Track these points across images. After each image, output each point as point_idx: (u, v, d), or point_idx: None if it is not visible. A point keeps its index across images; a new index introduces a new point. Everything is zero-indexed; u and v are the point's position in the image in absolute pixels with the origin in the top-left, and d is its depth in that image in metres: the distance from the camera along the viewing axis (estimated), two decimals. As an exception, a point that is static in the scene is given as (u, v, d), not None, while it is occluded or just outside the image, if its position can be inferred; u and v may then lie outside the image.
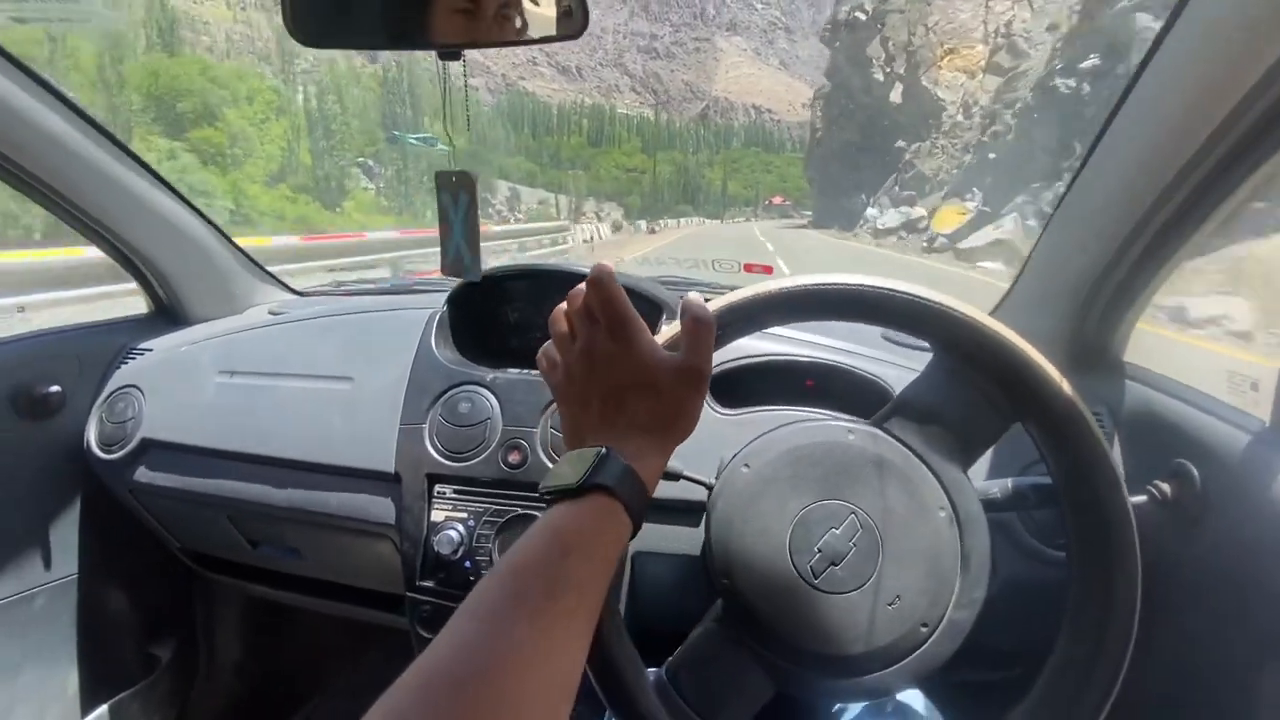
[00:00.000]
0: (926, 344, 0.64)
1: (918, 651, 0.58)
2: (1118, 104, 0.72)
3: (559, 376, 0.52)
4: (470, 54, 0.64)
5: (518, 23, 0.63)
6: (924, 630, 0.58)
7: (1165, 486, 0.71)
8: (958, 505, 0.60)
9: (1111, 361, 0.89)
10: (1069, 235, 0.87)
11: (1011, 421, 0.61)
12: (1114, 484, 0.56)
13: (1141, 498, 0.70)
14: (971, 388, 0.60)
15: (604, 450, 0.46)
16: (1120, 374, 0.88)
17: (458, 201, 0.71)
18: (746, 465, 0.62)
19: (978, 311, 0.58)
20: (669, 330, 0.58)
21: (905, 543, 0.58)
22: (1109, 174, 0.77)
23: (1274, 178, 0.62)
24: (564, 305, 0.53)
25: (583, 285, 0.50)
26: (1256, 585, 0.62)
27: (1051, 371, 0.57)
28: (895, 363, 0.91)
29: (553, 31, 0.62)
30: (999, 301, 1.05)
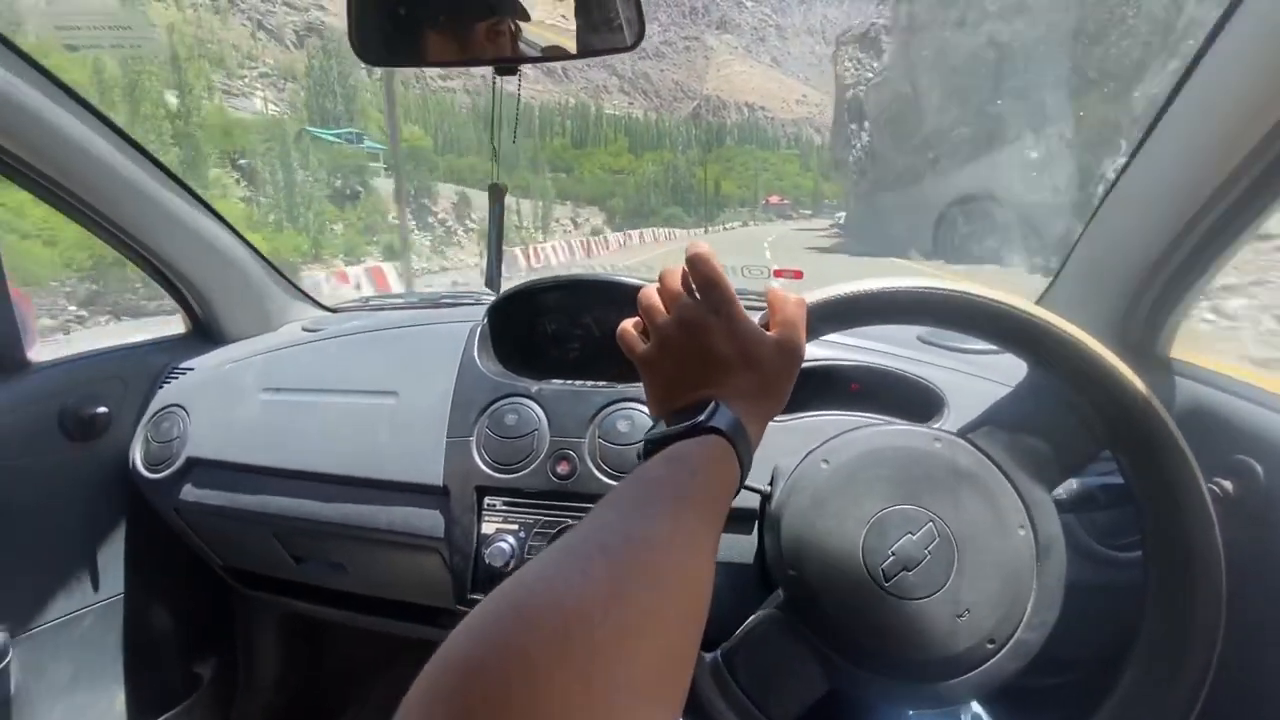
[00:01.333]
0: (970, 346, 0.63)
1: (982, 667, 0.57)
2: (1174, 89, 0.71)
3: (651, 349, 0.53)
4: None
5: (576, 36, 0.64)
6: (990, 647, 0.57)
7: (1226, 484, 0.70)
8: (1038, 526, 0.59)
9: (1159, 357, 0.89)
10: (1119, 227, 0.86)
11: (1104, 448, 0.60)
12: (1208, 525, 0.55)
13: None
14: (1069, 410, 0.60)
15: (715, 402, 0.47)
16: (1168, 370, 0.87)
17: (493, 214, 0.72)
18: (826, 461, 0.62)
19: (1083, 334, 0.58)
20: None
21: (982, 556, 0.58)
22: (1164, 163, 0.76)
23: None
24: (654, 285, 0.54)
25: (677, 267, 0.52)
26: None
27: (1157, 407, 0.56)
28: (939, 364, 0.90)
29: (610, 43, 0.63)
30: (1041, 294, 1.05)
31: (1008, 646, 0.57)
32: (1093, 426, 0.59)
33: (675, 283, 0.53)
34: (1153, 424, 0.56)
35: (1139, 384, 0.57)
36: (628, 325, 0.56)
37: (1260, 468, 0.68)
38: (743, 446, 0.47)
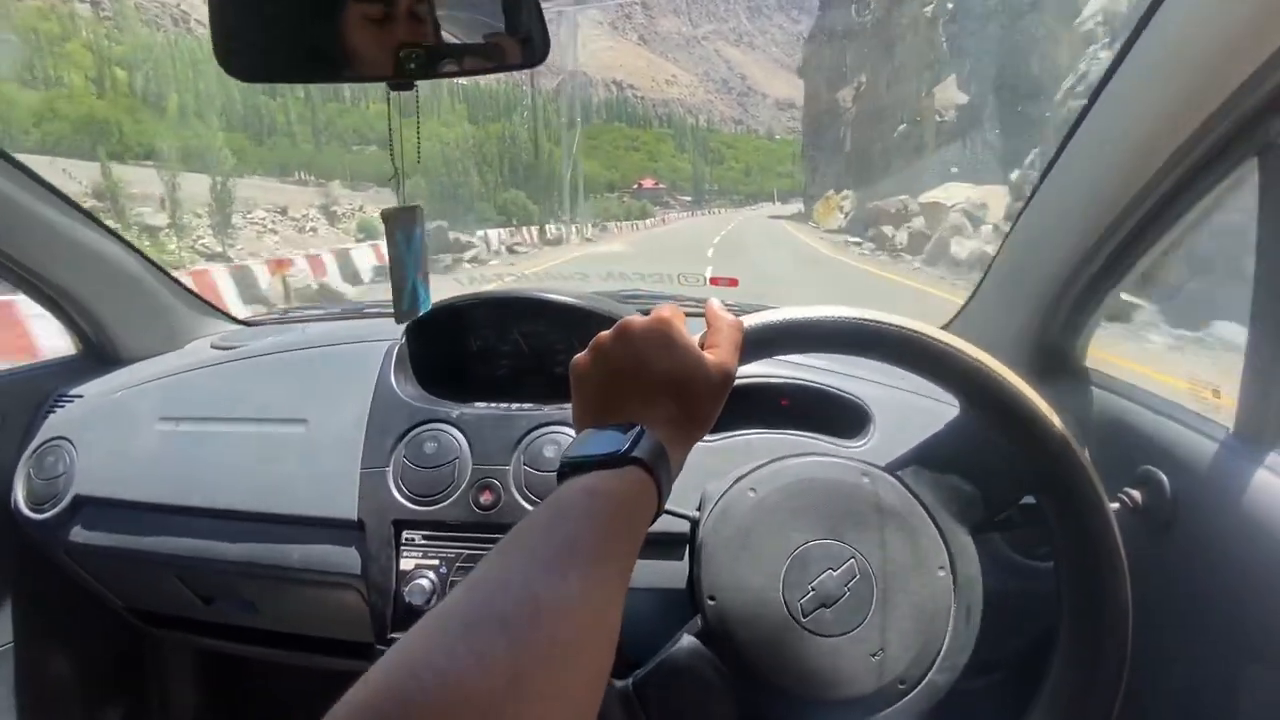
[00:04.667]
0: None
1: (890, 709, 0.57)
2: (1086, 108, 0.73)
3: (585, 356, 0.51)
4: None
5: (479, 52, 0.59)
6: (901, 688, 0.57)
7: (1135, 493, 0.72)
8: (958, 568, 0.60)
9: (1074, 368, 0.91)
10: (1037, 239, 0.88)
11: (1028, 492, 0.60)
12: (1121, 578, 0.56)
13: (1113, 505, 0.72)
14: (995, 453, 0.60)
15: (640, 428, 0.45)
16: (1084, 380, 0.90)
17: (410, 238, 0.67)
18: (753, 490, 0.61)
19: (1014, 376, 0.57)
20: None
21: (900, 596, 0.58)
22: (1077, 177, 0.78)
23: (1239, 185, 0.64)
24: None
25: None
26: (1226, 590, 0.64)
27: (1078, 454, 0.56)
28: (870, 379, 0.90)
29: (515, 60, 0.59)
30: (960, 309, 1.06)
31: (918, 689, 0.57)
32: (1018, 472, 0.59)
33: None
34: (1075, 474, 0.56)
35: (1062, 429, 0.57)
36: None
37: (1167, 479, 0.70)
38: (664, 477, 0.45)
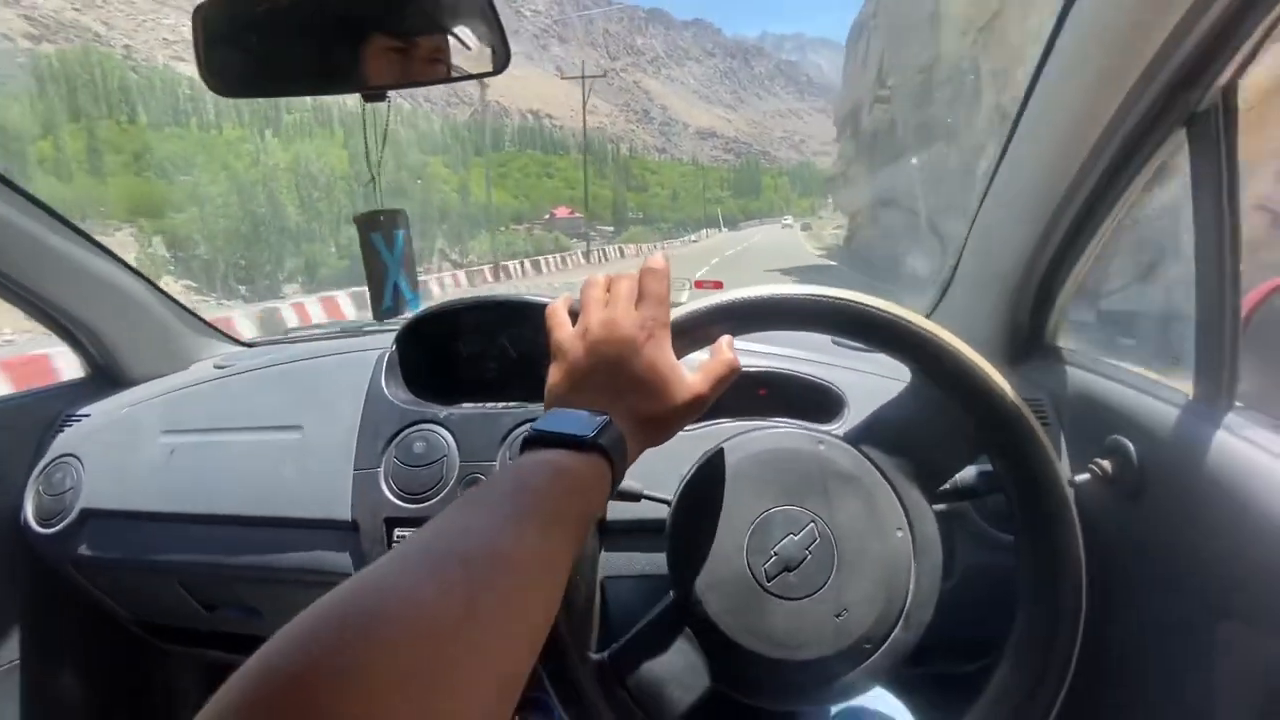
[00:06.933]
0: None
1: (858, 668, 0.58)
2: (1025, 97, 0.75)
3: (571, 334, 0.52)
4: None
5: (446, 62, 0.64)
6: (867, 648, 0.58)
7: (1105, 463, 0.74)
8: (915, 528, 0.61)
9: (1046, 348, 0.93)
10: (995, 229, 0.91)
11: (980, 452, 0.62)
12: (1071, 524, 0.57)
13: (1084, 476, 0.73)
14: (946, 416, 0.62)
15: (607, 417, 0.47)
16: (1056, 359, 0.92)
17: (392, 240, 0.71)
18: (716, 463, 0.64)
19: (958, 341, 0.59)
20: None
21: (860, 558, 0.59)
22: (1025, 165, 0.80)
23: (1168, 165, 0.66)
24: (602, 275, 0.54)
25: (633, 272, 0.53)
26: (1193, 553, 0.65)
27: (1024, 411, 0.58)
28: (846, 366, 0.93)
29: (478, 69, 0.63)
30: (936, 300, 1.09)
31: (883, 647, 0.59)
32: (968, 433, 0.62)
33: (623, 286, 0.53)
34: (1019, 428, 0.58)
35: (1008, 389, 0.59)
36: (559, 304, 0.56)
37: (1134, 447, 0.72)
38: (620, 467, 0.47)
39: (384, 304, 0.70)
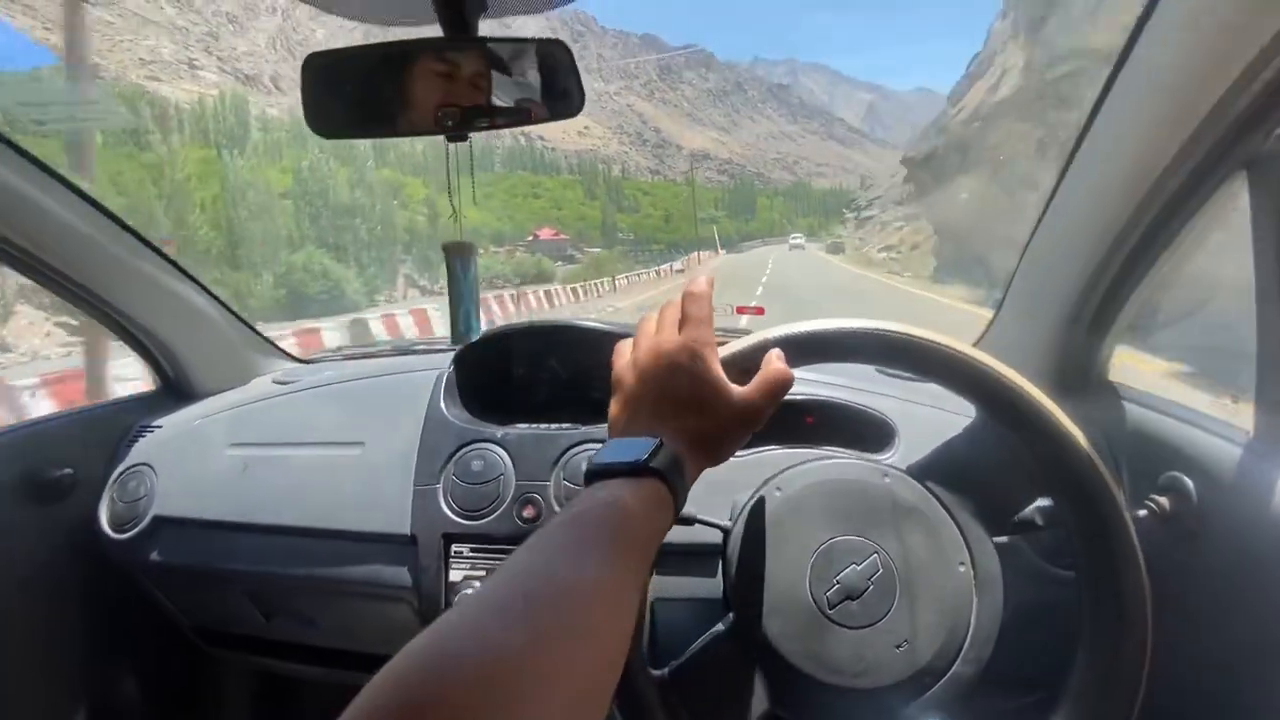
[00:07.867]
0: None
1: (917, 700, 0.59)
2: (1086, 125, 0.76)
3: (625, 365, 0.55)
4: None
5: (527, 107, 0.68)
6: (927, 680, 0.59)
7: (1163, 500, 0.73)
8: (977, 563, 0.62)
9: (1098, 382, 0.93)
10: (1046, 260, 0.91)
11: (1042, 493, 0.63)
12: (1137, 570, 0.57)
13: (1142, 512, 0.73)
14: (1010, 455, 0.63)
15: (659, 440, 0.49)
16: (1110, 394, 0.91)
17: (467, 269, 0.75)
18: (779, 490, 0.65)
19: (1030, 385, 0.59)
20: None
21: (923, 590, 0.60)
22: (1082, 199, 0.81)
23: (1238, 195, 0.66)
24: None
25: (677, 300, 0.55)
26: (1258, 592, 0.64)
27: (1091, 455, 0.57)
28: (892, 395, 0.93)
29: (558, 111, 0.67)
30: (984, 331, 1.09)
31: (944, 679, 0.59)
32: (1034, 475, 0.62)
33: (667, 314, 0.56)
34: (1086, 472, 0.58)
35: (1079, 435, 0.58)
36: (625, 342, 0.58)
37: (1192, 484, 0.71)
38: (679, 486, 0.49)
39: (459, 329, 0.74)
